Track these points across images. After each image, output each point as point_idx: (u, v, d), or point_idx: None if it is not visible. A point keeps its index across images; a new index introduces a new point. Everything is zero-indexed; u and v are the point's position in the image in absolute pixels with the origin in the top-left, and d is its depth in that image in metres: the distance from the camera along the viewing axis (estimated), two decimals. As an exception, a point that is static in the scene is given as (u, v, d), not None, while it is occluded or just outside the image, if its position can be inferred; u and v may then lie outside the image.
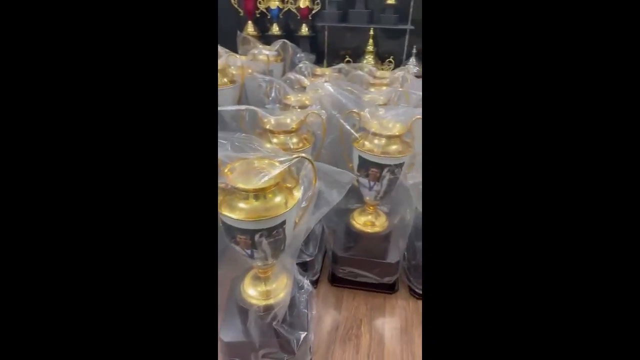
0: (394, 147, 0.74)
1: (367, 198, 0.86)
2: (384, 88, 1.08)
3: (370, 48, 1.52)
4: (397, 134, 0.74)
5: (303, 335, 0.63)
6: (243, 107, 0.76)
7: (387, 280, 0.87)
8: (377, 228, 0.88)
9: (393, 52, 1.66)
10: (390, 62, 1.49)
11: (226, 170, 0.49)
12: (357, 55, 1.63)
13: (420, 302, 0.87)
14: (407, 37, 1.61)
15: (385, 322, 0.82)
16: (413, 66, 1.47)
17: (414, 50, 1.50)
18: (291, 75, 1.06)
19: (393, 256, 0.87)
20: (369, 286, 0.89)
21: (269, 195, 0.49)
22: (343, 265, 0.88)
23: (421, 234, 0.90)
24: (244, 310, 0.61)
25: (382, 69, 1.41)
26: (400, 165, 0.76)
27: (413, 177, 0.80)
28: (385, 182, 0.77)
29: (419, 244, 0.89)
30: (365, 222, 0.89)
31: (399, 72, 1.14)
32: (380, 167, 0.75)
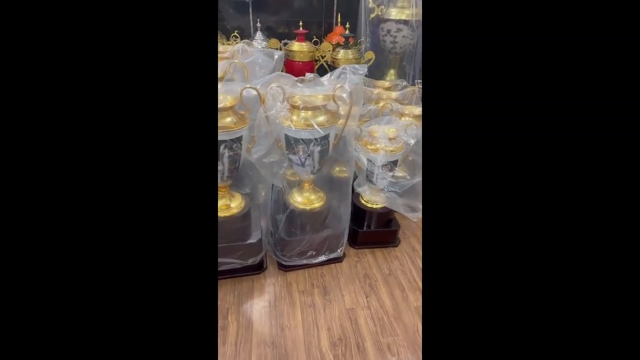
0: (227, 120, 0.69)
1: (216, 180, 0.79)
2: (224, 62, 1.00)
3: (215, 23, 1.40)
4: (228, 105, 0.69)
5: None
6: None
7: (251, 261, 0.84)
8: (234, 210, 0.83)
9: (242, 27, 1.59)
10: (235, 36, 1.41)
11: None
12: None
13: (288, 273, 0.88)
14: (250, 10, 1.55)
15: (253, 304, 0.79)
16: (261, 40, 1.43)
17: (258, 25, 1.45)
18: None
19: (254, 235, 0.84)
20: (234, 272, 0.85)
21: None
22: (203, 257, 0.81)
23: (281, 207, 0.89)
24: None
25: (228, 44, 1.33)
26: (238, 140, 0.72)
27: (258, 151, 0.77)
28: (226, 159, 0.72)
29: (280, 217, 0.88)
30: (220, 206, 0.83)
31: (238, 45, 1.08)
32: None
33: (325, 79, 0.82)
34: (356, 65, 0.81)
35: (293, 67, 1.36)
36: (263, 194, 0.91)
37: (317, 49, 1.41)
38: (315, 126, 0.71)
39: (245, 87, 0.70)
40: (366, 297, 0.83)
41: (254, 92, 0.72)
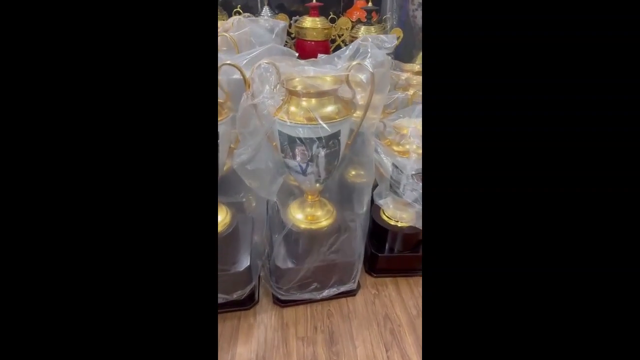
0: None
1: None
2: (213, 38, 0.80)
3: (219, -2, 1.21)
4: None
5: None
6: None
7: (237, 295, 0.65)
8: (218, 228, 0.64)
9: (250, 5, 1.39)
10: (238, 12, 1.21)
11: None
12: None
13: (285, 310, 0.68)
14: (258, -17, 1.34)
15: (236, 356, 0.60)
16: (268, 17, 1.23)
17: (265, -1, 1.25)
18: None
19: (242, 261, 0.65)
20: (215, 308, 0.66)
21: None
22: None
23: (277, 224, 0.69)
24: None
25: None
26: (213, 139, 0.52)
27: (243, 154, 0.57)
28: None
29: (276, 237, 0.69)
30: (199, 222, 0.64)
31: (234, 18, 0.88)
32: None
33: (338, 55, 0.60)
34: (382, 36, 0.59)
35: (304, 48, 1.16)
36: (254, 204, 0.71)
37: (333, 27, 1.19)
38: (320, 121, 0.50)
39: (224, 64, 0.50)
40: (386, 351, 0.62)
41: (237, 72, 0.52)
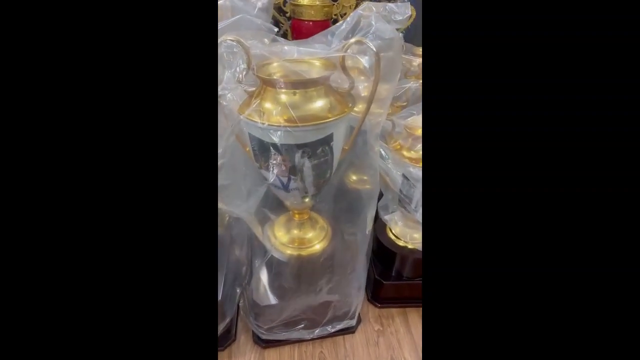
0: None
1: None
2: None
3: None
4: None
5: None
6: None
7: (206, 336, 0.52)
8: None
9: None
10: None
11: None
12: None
13: (267, 351, 0.56)
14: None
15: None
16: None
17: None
18: None
19: (212, 294, 0.52)
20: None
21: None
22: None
23: (256, 247, 0.56)
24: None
25: None
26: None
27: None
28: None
29: (257, 263, 0.56)
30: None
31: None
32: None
33: (332, 31, 0.46)
34: (391, 5, 0.45)
35: (301, 30, 1.00)
36: (227, 218, 0.58)
37: (334, 5, 1.04)
38: (303, 122, 0.36)
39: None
40: (392, 411, 0.49)
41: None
